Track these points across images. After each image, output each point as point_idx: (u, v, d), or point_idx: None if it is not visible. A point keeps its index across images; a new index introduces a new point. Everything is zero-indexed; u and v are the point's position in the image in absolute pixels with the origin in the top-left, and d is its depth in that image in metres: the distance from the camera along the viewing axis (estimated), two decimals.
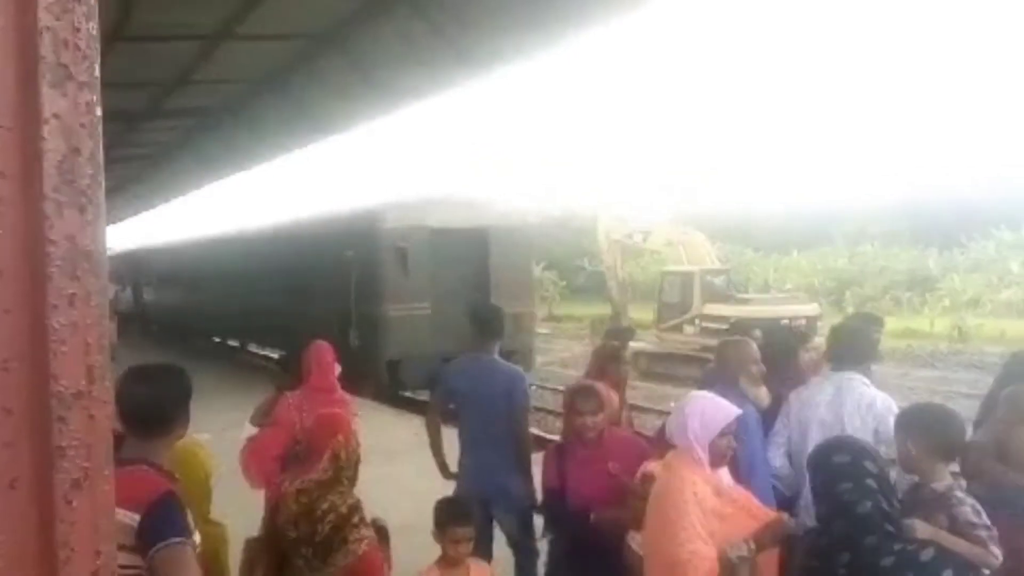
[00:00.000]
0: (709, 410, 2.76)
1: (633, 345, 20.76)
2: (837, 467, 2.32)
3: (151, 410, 2.42)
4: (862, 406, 3.53)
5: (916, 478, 2.79)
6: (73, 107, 0.68)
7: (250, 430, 4.47)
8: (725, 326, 16.41)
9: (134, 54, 9.68)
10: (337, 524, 2.97)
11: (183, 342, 23.00)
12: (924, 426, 2.75)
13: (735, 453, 3.15)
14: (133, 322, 25.51)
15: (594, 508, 3.47)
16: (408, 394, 13.53)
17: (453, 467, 4.64)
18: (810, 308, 18.35)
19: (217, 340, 22.51)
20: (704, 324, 17.95)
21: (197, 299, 21.65)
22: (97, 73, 0.71)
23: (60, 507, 0.68)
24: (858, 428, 3.45)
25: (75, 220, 0.67)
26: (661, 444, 3.51)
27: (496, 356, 4.69)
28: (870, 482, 2.26)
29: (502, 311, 5.24)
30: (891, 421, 3.30)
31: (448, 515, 3.29)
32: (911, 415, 2.90)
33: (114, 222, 36.68)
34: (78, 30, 0.68)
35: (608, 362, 4.86)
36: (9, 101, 0.65)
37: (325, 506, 2.97)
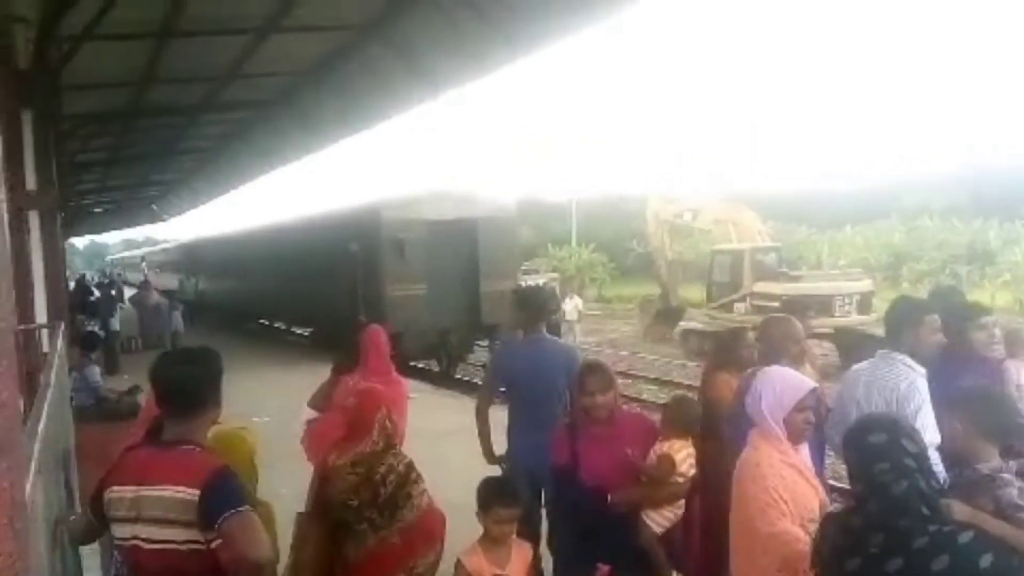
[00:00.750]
0: (780, 385, 2.72)
1: (683, 324, 20.77)
2: (873, 447, 2.21)
3: (187, 391, 2.53)
4: (887, 388, 3.44)
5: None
6: None
7: (309, 413, 4.51)
8: (776, 303, 16.21)
9: (188, 49, 9.99)
10: (399, 483, 3.16)
11: (236, 326, 24.36)
12: (973, 406, 2.68)
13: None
14: (194, 310, 26.47)
15: (608, 486, 3.44)
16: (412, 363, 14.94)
17: (498, 451, 4.61)
18: (863, 284, 17.95)
19: (264, 323, 23.97)
20: (755, 302, 17.74)
21: (241, 286, 23.57)
22: None
23: None
24: (880, 409, 3.36)
25: None
26: (668, 424, 3.61)
27: (546, 334, 4.65)
28: (908, 461, 2.15)
29: (549, 291, 5.24)
30: (912, 404, 3.25)
31: (493, 495, 3.28)
32: (960, 395, 2.81)
33: (176, 215, 37.94)
34: None
35: (734, 346, 4.51)
36: None
37: (383, 469, 3.15)
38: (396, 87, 11.36)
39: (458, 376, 16.08)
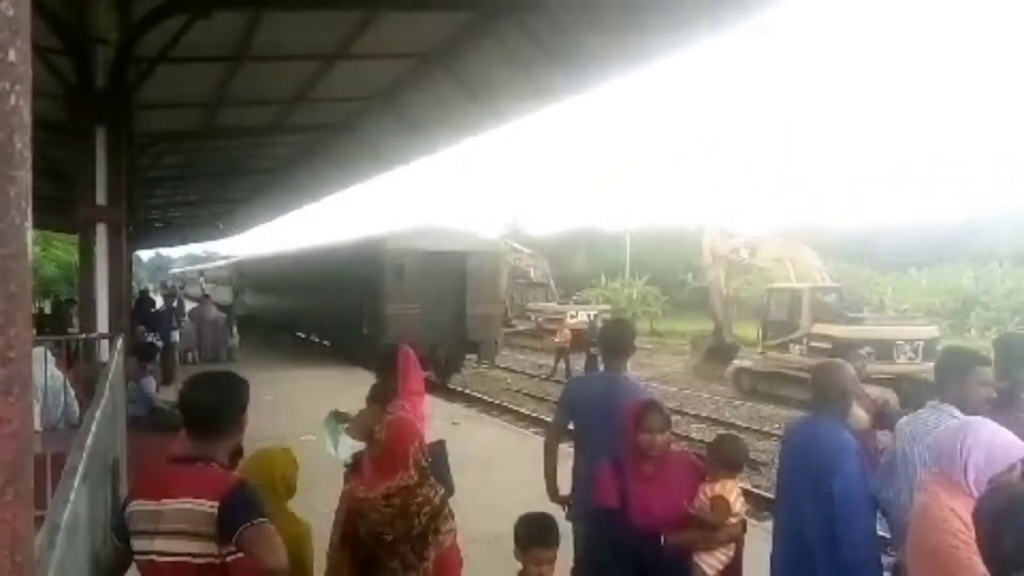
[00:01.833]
0: (998, 445, 2.56)
1: (736, 363, 20.35)
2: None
3: (208, 414, 2.63)
4: (929, 439, 3.20)
5: None
6: None
7: (355, 445, 4.17)
8: (835, 346, 15.75)
9: (258, 73, 10.29)
10: (432, 515, 3.10)
11: (280, 339, 26.34)
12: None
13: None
14: (243, 324, 27.44)
15: (659, 527, 3.34)
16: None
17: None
18: (928, 330, 17.35)
19: (301, 335, 26.20)
20: (812, 344, 17.27)
21: (281, 303, 26.86)
22: (13, 59, 0.62)
23: None
24: (924, 461, 3.18)
25: None
26: (714, 463, 3.53)
27: (625, 375, 4.44)
28: None
29: (632, 328, 4.95)
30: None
31: (532, 535, 3.15)
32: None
33: (238, 232, 39.06)
34: None
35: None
36: None
37: (419, 500, 3.10)
38: (457, 115, 11.49)
39: (451, 387, 18.48)
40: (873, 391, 6.63)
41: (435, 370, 17.69)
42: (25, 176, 0.62)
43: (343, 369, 17.23)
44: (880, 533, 3.55)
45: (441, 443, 3.91)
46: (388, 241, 18.04)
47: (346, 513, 3.19)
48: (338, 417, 4.17)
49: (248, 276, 32.81)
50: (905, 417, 3.69)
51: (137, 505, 2.52)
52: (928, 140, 75.14)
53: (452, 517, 3.19)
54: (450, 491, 3.54)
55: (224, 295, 33.84)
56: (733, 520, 3.34)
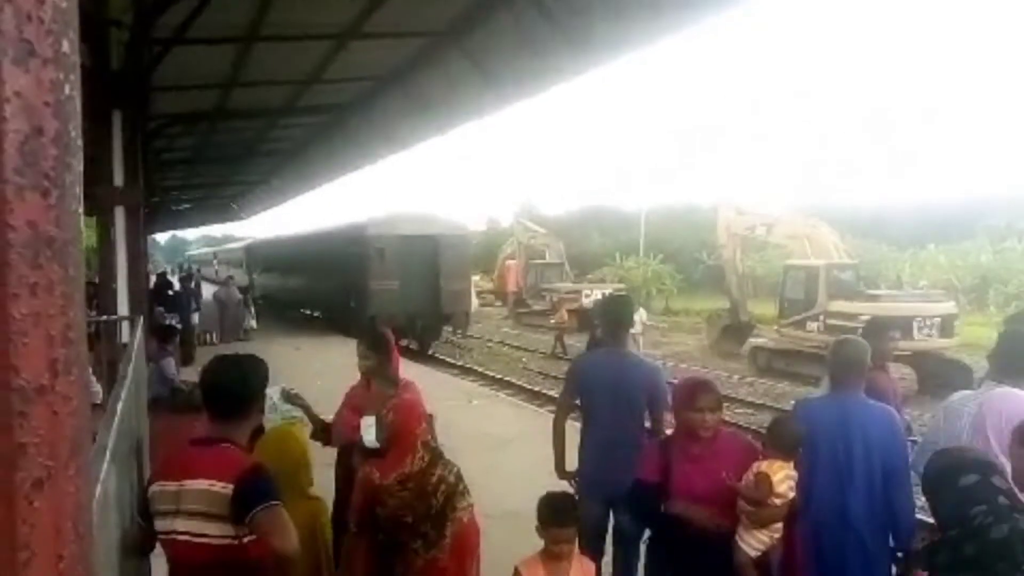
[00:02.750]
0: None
1: (752, 341, 20.29)
2: (966, 489, 2.16)
3: (230, 396, 2.68)
4: (1003, 425, 3.20)
5: None
6: (36, 85, 0.62)
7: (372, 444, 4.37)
8: (852, 323, 15.67)
9: (272, 54, 10.29)
10: (448, 493, 3.14)
11: (288, 316, 27.85)
12: None
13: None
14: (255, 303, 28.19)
15: (705, 507, 3.32)
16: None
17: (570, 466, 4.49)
18: (946, 306, 17.19)
19: (306, 312, 27.94)
20: (829, 321, 17.18)
21: (286, 282, 29.32)
22: (66, 49, 0.64)
23: (21, 507, 0.63)
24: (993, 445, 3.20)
25: (37, 204, 0.62)
26: (770, 446, 3.41)
27: (629, 349, 4.49)
28: (1002, 500, 2.10)
29: (631, 302, 5.09)
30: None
31: (550, 514, 3.21)
32: None
33: (254, 214, 39.24)
34: (42, 2, 0.62)
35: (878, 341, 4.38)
36: None
37: (434, 480, 3.13)
38: (471, 94, 11.43)
39: (431, 353, 20.89)
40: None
41: (415, 339, 20.37)
42: (79, 164, 0.65)
43: (339, 340, 18.88)
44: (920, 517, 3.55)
45: (429, 416, 3.95)
46: (369, 227, 20.44)
47: (363, 500, 3.20)
48: (287, 397, 4.30)
49: (257, 258, 35.07)
50: (960, 396, 3.68)
51: (159, 486, 2.59)
52: (944, 116, 74.08)
53: (468, 493, 3.22)
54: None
55: (240, 277, 34.19)
56: (777, 501, 3.24)
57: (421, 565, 3.11)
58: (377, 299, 19.56)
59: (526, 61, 9.72)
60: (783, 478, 3.27)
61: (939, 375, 15.66)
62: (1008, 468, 2.59)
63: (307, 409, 4.32)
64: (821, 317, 17.59)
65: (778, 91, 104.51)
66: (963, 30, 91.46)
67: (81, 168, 0.66)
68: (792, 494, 3.30)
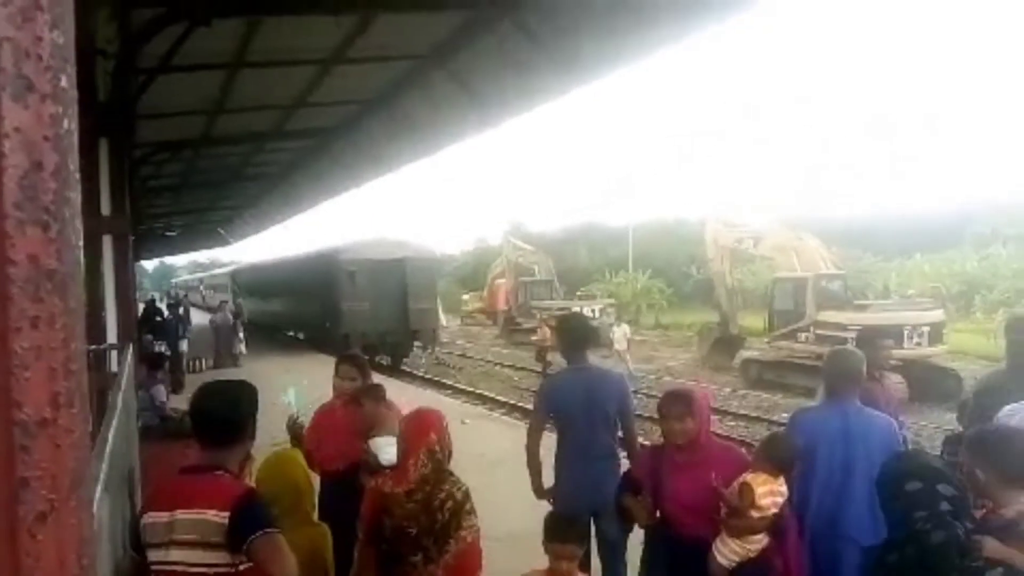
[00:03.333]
0: None
1: (743, 353, 20.37)
2: (910, 495, 2.27)
3: (220, 423, 2.65)
4: None
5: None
6: (36, 120, 0.63)
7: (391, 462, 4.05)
8: (841, 333, 15.75)
9: (257, 80, 10.32)
10: (454, 510, 3.11)
11: (274, 339, 28.54)
12: (993, 450, 2.56)
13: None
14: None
15: (684, 515, 3.41)
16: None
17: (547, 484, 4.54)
18: (934, 315, 17.32)
19: (291, 334, 29.34)
20: (819, 332, 17.27)
21: (269, 306, 30.70)
22: (64, 84, 0.66)
23: (24, 541, 0.63)
24: None
25: (38, 238, 0.63)
26: (760, 460, 3.43)
27: (590, 364, 4.56)
28: (944, 506, 2.19)
29: (588, 321, 5.20)
30: None
31: (550, 530, 3.28)
32: (979, 438, 2.69)
33: (241, 238, 39.19)
34: (40, 39, 0.63)
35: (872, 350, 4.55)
36: None
37: (442, 495, 3.11)
38: (456, 115, 11.50)
39: (404, 368, 22.41)
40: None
41: (386, 354, 22.26)
42: (77, 197, 0.65)
43: (314, 355, 21.06)
44: None
45: (444, 429, 3.98)
46: (341, 253, 22.28)
47: (371, 509, 3.20)
48: (292, 424, 4.41)
49: (242, 283, 36.81)
50: (1012, 407, 3.68)
51: (150, 517, 2.55)
52: (926, 126, 74.95)
53: (474, 514, 3.19)
54: None
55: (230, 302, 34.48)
56: (755, 514, 3.28)
57: None
58: (349, 319, 21.20)
59: (511, 81, 9.79)
60: (766, 492, 3.29)
61: (928, 382, 15.75)
62: None
63: (299, 438, 4.33)
64: (811, 328, 17.68)
65: (764, 101, 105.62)
66: (952, 38, 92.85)
67: (79, 201, 0.67)
68: (774, 510, 3.32)
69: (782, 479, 3.38)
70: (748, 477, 3.33)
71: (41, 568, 0.64)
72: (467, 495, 3.19)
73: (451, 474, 3.22)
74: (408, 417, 3.37)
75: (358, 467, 4.07)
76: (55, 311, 0.64)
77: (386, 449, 3.83)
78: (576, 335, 4.61)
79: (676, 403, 3.47)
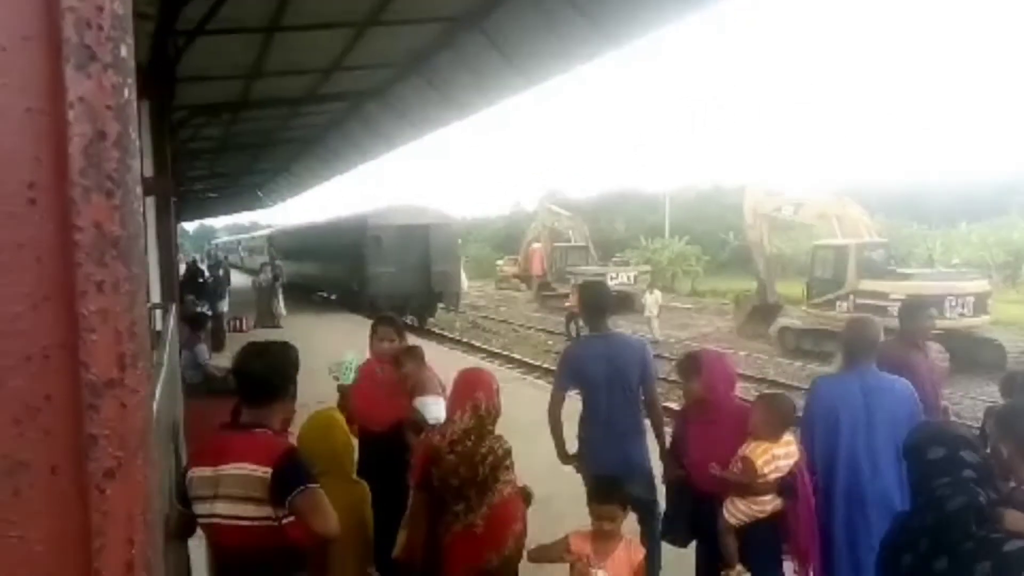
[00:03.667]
0: None
1: (780, 321, 20.12)
2: (932, 463, 2.27)
3: (261, 382, 2.74)
4: None
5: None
6: (98, 89, 0.64)
7: (437, 420, 4.12)
8: (882, 302, 15.47)
9: (293, 43, 10.33)
10: (494, 464, 3.31)
11: (309, 299, 29.62)
12: (1019, 425, 2.56)
13: None
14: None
15: (703, 472, 3.59)
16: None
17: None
18: (978, 284, 16.89)
19: (323, 295, 30.57)
20: (859, 300, 16.97)
21: (302, 268, 31.66)
22: (124, 54, 0.66)
23: (94, 496, 0.66)
24: None
25: (102, 205, 0.65)
26: (757, 424, 3.51)
27: (613, 331, 4.63)
28: (967, 473, 2.18)
29: (608, 289, 5.38)
30: None
31: (592, 491, 3.42)
32: (1004, 415, 2.70)
33: (279, 201, 39.61)
34: (101, 9, 0.64)
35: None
36: (40, 85, 0.63)
37: (484, 450, 3.31)
38: (491, 78, 11.41)
39: (429, 328, 23.45)
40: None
41: (412, 315, 23.14)
42: (137, 165, 0.67)
43: (346, 315, 22.56)
44: None
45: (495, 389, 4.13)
46: (369, 218, 23.36)
47: (422, 459, 3.38)
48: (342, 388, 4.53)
49: (278, 246, 37.74)
50: None
51: (196, 471, 2.65)
52: (972, 94, 72.48)
53: (511, 470, 3.37)
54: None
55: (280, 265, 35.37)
56: (760, 481, 3.43)
57: (458, 529, 3.28)
58: (375, 282, 22.49)
59: (546, 42, 9.67)
60: (767, 460, 3.41)
61: (971, 353, 15.44)
62: None
63: (344, 399, 4.46)
64: (851, 297, 17.38)
65: (810, 67, 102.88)
66: (1001, 7, 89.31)
67: (139, 169, 0.68)
68: (777, 474, 3.43)
69: (786, 438, 3.49)
70: (747, 450, 3.45)
71: (109, 523, 0.67)
72: (508, 453, 3.39)
73: (491, 431, 3.39)
74: (460, 374, 3.57)
75: (399, 427, 4.15)
76: (120, 276, 0.67)
77: (432, 408, 3.99)
78: (597, 303, 4.66)
79: (685, 365, 3.80)
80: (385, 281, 22.33)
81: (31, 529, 0.67)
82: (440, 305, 24.38)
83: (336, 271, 26.38)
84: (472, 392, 3.38)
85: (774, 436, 3.46)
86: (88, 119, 0.64)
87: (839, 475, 3.68)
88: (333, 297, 28.81)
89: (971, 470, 2.20)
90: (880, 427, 3.65)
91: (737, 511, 3.48)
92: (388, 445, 4.09)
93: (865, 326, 4.02)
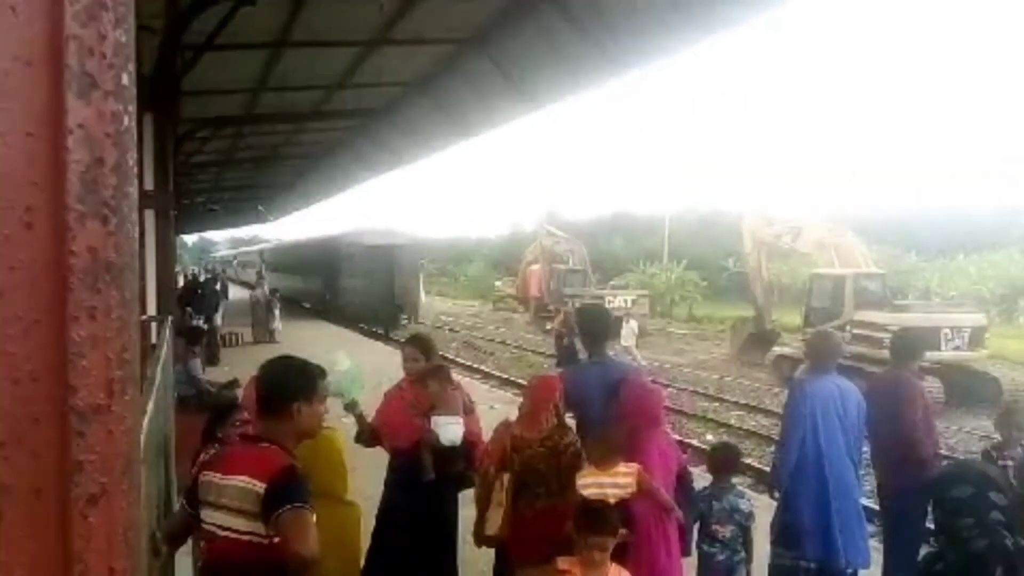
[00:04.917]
0: None
1: (776, 349, 20.10)
2: (957, 500, 2.22)
3: (266, 398, 2.76)
4: None
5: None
6: (98, 117, 0.66)
7: (452, 442, 4.30)
8: (878, 334, 15.46)
9: (300, 59, 10.41)
10: (576, 454, 3.91)
11: (298, 312, 30.80)
12: None
13: None
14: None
15: None
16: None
17: None
18: (975, 318, 16.90)
19: (306, 306, 32.81)
20: (856, 331, 16.96)
21: (290, 282, 34.21)
22: (125, 82, 0.68)
23: (76, 521, 0.67)
24: None
25: (97, 231, 0.66)
26: (591, 455, 3.95)
27: (610, 357, 4.68)
28: (995, 515, 2.14)
29: (607, 313, 5.46)
30: None
31: (583, 520, 3.34)
32: None
33: (279, 216, 39.78)
34: (104, 38, 0.65)
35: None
36: (38, 111, 0.64)
37: (566, 442, 3.96)
38: (496, 100, 11.48)
39: (393, 337, 24.09)
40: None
41: (379, 325, 26.09)
42: (134, 191, 0.68)
43: (320, 322, 26.17)
44: None
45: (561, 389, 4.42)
46: (342, 238, 27.40)
47: (501, 444, 3.98)
48: (349, 406, 4.39)
49: (268, 260, 41.71)
50: None
51: (206, 476, 2.68)
52: (971, 127, 73.05)
53: (581, 457, 3.91)
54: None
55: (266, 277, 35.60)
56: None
57: (542, 506, 3.84)
58: (345, 294, 26.06)
59: (552, 67, 9.75)
60: (585, 484, 3.78)
61: (966, 387, 15.41)
62: None
63: (360, 416, 4.41)
64: (847, 327, 17.36)
65: (805, 93, 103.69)
66: (999, 31, 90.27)
67: (136, 195, 0.69)
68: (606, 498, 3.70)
69: (616, 467, 3.81)
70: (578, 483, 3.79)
71: (91, 548, 0.67)
72: (580, 449, 3.96)
73: (564, 425, 4.05)
74: (536, 380, 4.36)
75: (419, 444, 4.20)
76: (112, 302, 0.67)
77: (447, 427, 4.12)
78: (596, 326, 4.72)
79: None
80: (355, 293, 25.79)
81: (13, 553, 0.66)
82: (403, 316, 27.33)
83: (313, 284, 30.33)
84: (552, 395, 4.02)
85: (606, 465, 3.81)
86: (87, 146, 0.65)
87: (826, 464, 4.34)
88: (306, 305, 32.25)
89: (999, 512, 2.15)
90: (850, 421, 4.44)
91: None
92: (414, 462, 4.22)
93: (828, 339, 4.84)
